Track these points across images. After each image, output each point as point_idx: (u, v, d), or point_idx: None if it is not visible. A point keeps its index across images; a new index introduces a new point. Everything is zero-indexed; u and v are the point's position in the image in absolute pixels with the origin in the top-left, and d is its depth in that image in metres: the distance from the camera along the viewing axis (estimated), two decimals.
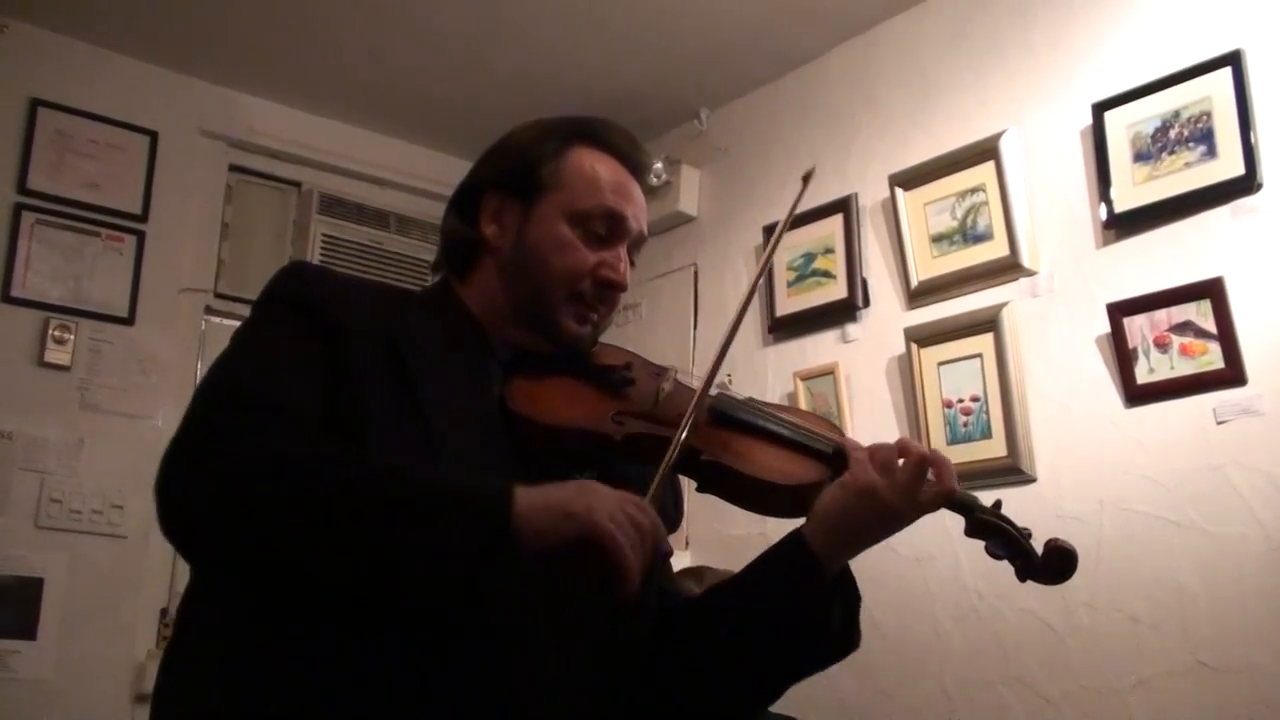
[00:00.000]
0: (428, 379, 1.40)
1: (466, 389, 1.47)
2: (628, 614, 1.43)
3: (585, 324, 1.56)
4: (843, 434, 1.58)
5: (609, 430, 1.46)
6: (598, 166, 1.58)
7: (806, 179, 1.62)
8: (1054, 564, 1.44)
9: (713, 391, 1.54)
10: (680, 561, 3.42)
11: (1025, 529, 1.46)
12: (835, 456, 1.47)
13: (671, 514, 1.63)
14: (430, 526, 1.20)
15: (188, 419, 1.33)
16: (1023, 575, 1.47)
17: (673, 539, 1.59)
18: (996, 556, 1.46)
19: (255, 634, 1.28)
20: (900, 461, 1.41)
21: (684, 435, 1.39)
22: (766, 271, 3.99)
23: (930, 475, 1.41)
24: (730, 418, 1.54)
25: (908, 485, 1.40)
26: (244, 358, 1.39)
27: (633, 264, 1.60)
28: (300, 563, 1.24)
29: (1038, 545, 1.46)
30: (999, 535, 1.45)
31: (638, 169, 1.62)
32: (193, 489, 1.26)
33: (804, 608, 1.45)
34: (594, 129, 1.61)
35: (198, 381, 1.43)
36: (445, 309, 1.57)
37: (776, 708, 3.36)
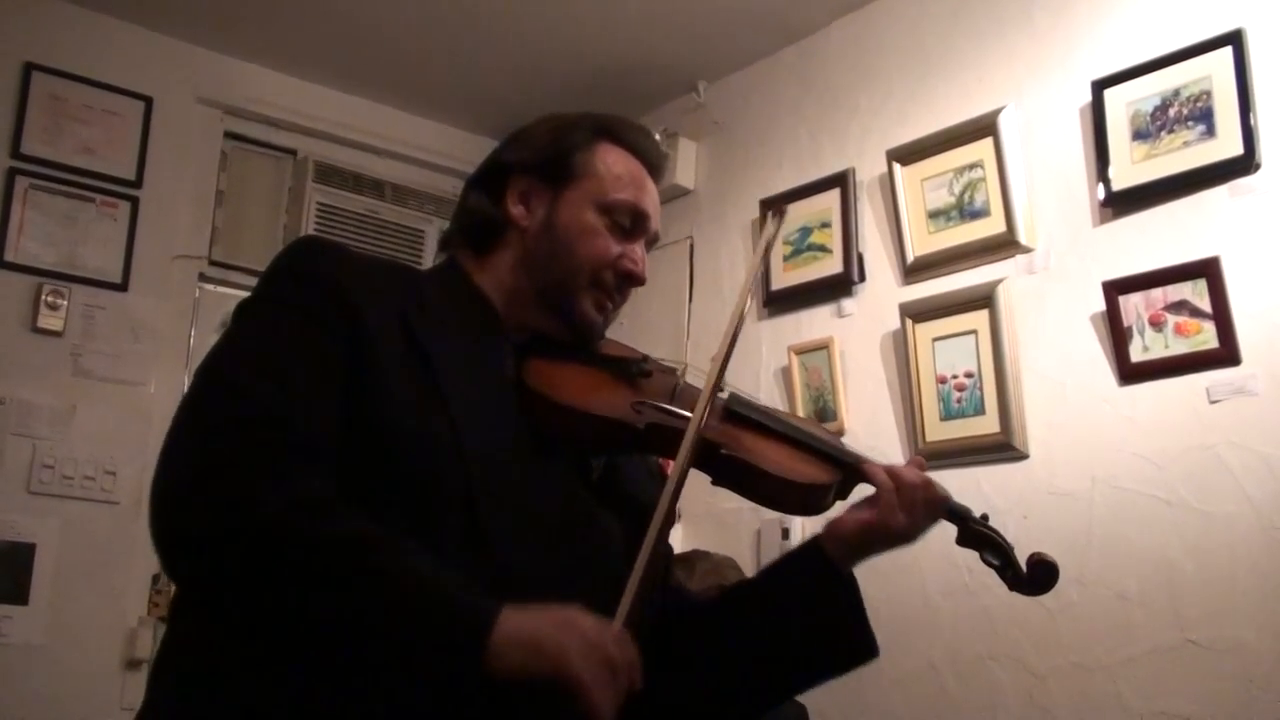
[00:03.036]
0: (443, 359, 1.40)
1: (482, 368, 1.47)
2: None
3: (602, 312, 1.59)
4: (845, 445, 1.67)
5: (631, 418, 1.48)
6: (628, 165, 1.62)
7: (779, 215, 1.70)
8: (1038, 575, 1.58)
9: (724, 393, 1.60)
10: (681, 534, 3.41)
11: (1011, 544, 1.60)
12: (848, 468, 1.56)
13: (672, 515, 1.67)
14: (405, 643, 1.21)
15: (206, 422, 1.30)
16: (1011, 584, 1.60)
17: None
18: (990, 565, 1.58)
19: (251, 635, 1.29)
20: (910, 489, 1.53)
21: (699, 428, 1.42)
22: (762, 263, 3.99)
23: (931, 496, 1.56)
24: (745, 417, 1.59)
25: (923, 510, 1.54)
26: (257, 355, 1.36)
27: None
28: (280, 629, 1.25)
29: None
30: (991, 546, 1.58)
31: (656, 172, 1.67)
32: (200, 522, 1.25)
33: (821, 611, 1.53)
34: (623, 129, 1.65)
35: (206, 354, 1.39)
36: (457, 288, 1.57)
37: None
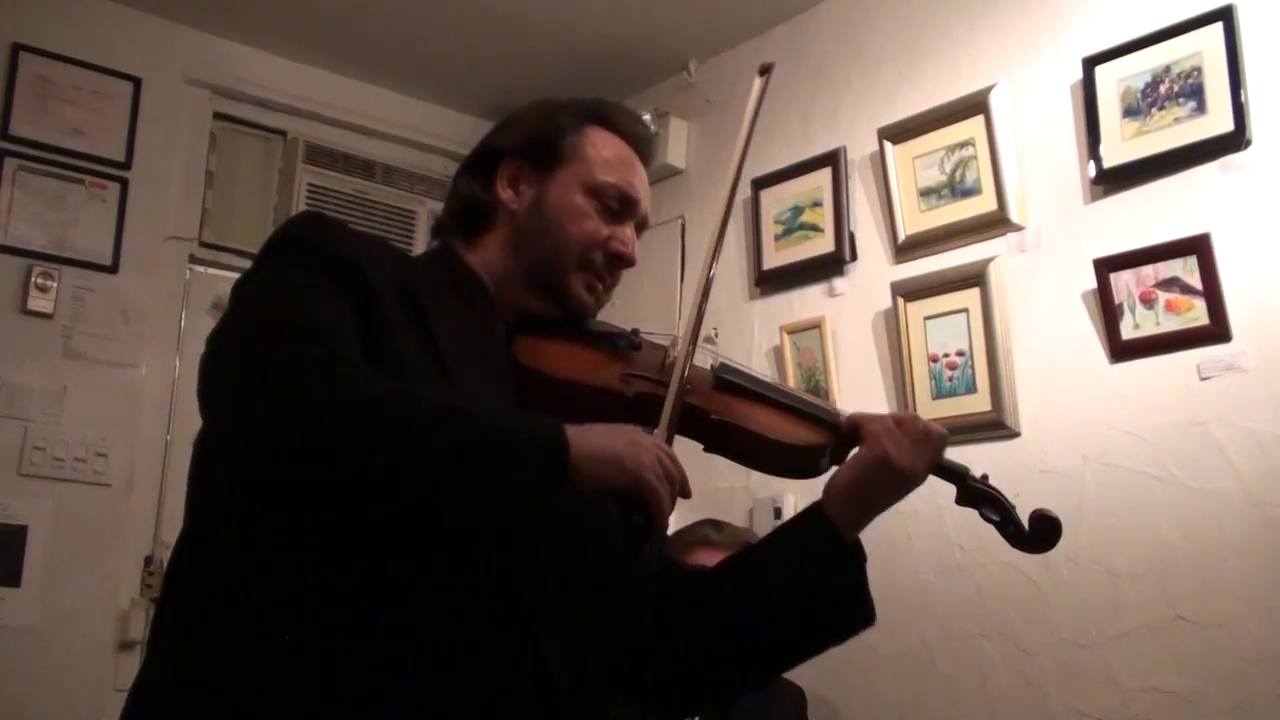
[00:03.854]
0: (443, 328, 1.42)
1: (476, 344, 1.49)
2: (638, 575, 1.51)
3: (592, 293, 1.60)
4: (837, 408, 1.67)
5: (620, 387, 1.50)
6: (617, 148, 1.64)
7: (766, 71, 1.74)
8: (1040, 532, 1.57)
9: (709, 363, 1.62)
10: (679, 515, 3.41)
11: (1012, 502, 1.59)
12: (838, 426, 1.56)
13: None
14: (495, 464, 1.24)
15: (248, 350, 1.30)
16: (1012, 541, 1.59)
17: None
18: (990, 521, 1.58)
19: (257, 601, 1.29)
20: (900, 429, 1.54)
21: (682, 384, 1.44)
22: (755, 226, 3.99)
23: (924, 427, 1.57)
24: (734, 384, 1.61)
25: (913, 448, 1.53)
26: (278, 299, 1.36)
27: None
28: (379, 494, 1.25)
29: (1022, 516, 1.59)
30: (991, 503, 1.58)
31: (646, 157, 1.69)
32: (281, 410, 1.24)
33: (824, 576, 1.54)
34: (612, 113, 1.67)
35: (217, 323, 1.39)
36: (450, 270, 1.59)
37: None
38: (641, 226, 1.66)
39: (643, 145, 1.68)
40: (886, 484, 1.55)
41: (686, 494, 1.33)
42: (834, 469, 1.60)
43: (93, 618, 3.78)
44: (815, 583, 1.54)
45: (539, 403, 1.46)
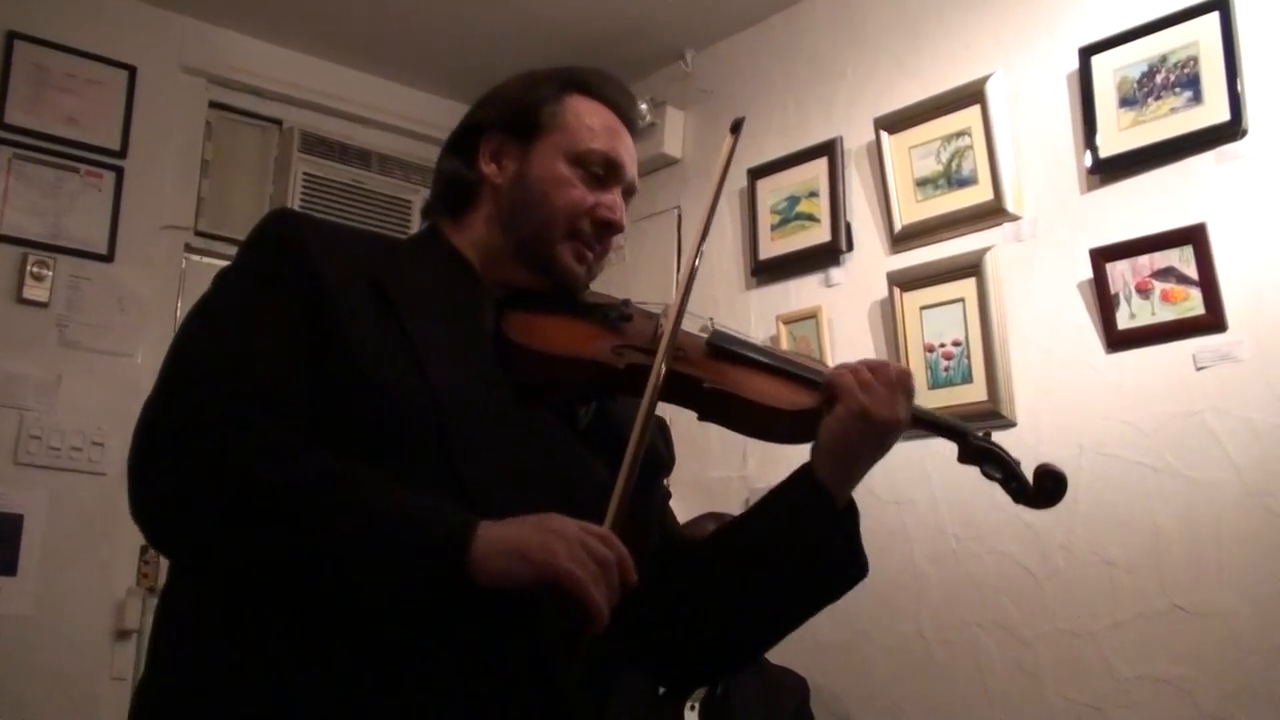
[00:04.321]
0: (415, 315, 1.41)
1: (458, 322, 1.47)
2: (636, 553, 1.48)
3: (582, 262, 1.58)
4: (821, 363, 1.65)
5: (610, 360, 1.48)
6: (598, 114, 1.61)
7: (736, 129, 1.64)
8: (1046, 488, 1.54)
9: (704, 330, 1.60)
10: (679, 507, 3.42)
11: (1017, 459, 1.56)
12: (825, 386, 1.53)
13: (664, 455, 1.67)
14: (386, 560, 1.22)
15: (167, 389, 1.33)
16: (1016, 498, 1.56)
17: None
18: (992, 478, 1.55)
19: (247, 607, 1.30)
20: (869, 373, 1.51)
21: (665, 358, 1.42)
22: (750, 221, 3.99)
23: (893, 369, 1.53)
24: (726, 350, 1.58)
25: (890, 396, 1.49)
26: (224, 322, 1.39)
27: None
28: (259, 574, 1.28)
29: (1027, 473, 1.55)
30: (994, 461, 1.55)
31: (631, 122, 1.66)
32: (166, 484, 1.27)
33: (816, 539, 1.51)
34: (592, 79, 1.64)
35: (180, 323, 1.42)
36: (435, 252, 1.58)
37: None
38: (629, 192, 1.64)
39: (625, 110, 1.65)
40: (869, 437, 1.50)
41: (628, 578, 1.26)
42: None
43: (89, 607, 3.78)
44: (809, 549, 1.51)
45: (528, 379, 1.46)
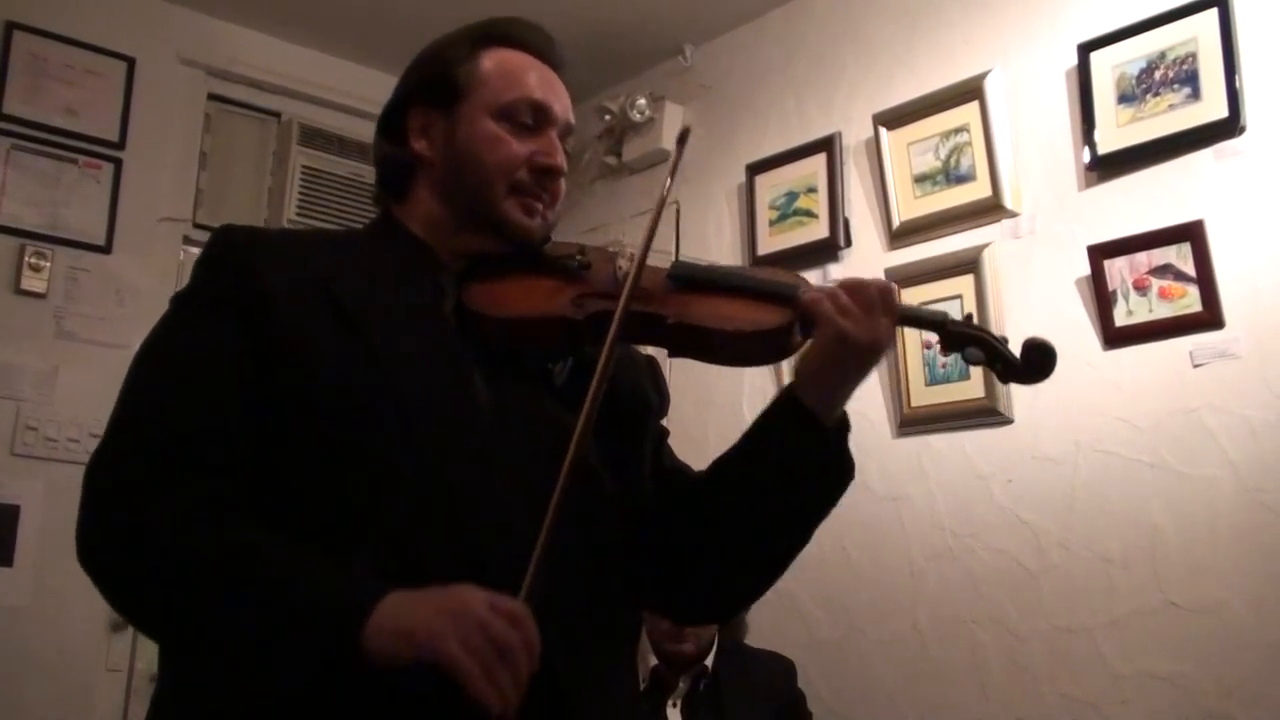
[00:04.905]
0: (370, 314, 1.40)
1: (415, 307, 1.46)
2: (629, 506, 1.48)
3: (532, 214, 1.54)
4: (796, 275, 1.58)
5: (570, 313, 1.45)
6: (514, 62, 1.57)
7: (682, 140, 1.58)
8: (1034, 361, 1.47)
9: (665, 262, 1.55)
10: None
11: (1002, 336, 1.49)
12: (802, 312, 1.46)
13: (654, 400, 1.64)
14: (278, 639, 1.22)
15: (111, 440, 1.37)
16: (1005, 377, 1.50)
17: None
18: (978, 363, 1.48)
19: None
20: (846, 295, 1.44)
21: (624, 309, 1.37)
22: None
23: (873, 288, 1.45)
24: (689, 279, 1.54)
25: (865, 309, 1.43)
26: (166, 364, 1.41)
27: (565, 153, 1.58)
28: (164, 635, 1.34)
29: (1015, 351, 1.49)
30: (975, 342, 1.48)
31: (554, 61, 1.62)
32: (94, 530, 1.34)
33: (808, 462, 1.46)
34: (504, 27, 1.61)
35: (136, 353, 1.45)
36: (388, 237, 1.56)
37: (757, 643, 3.41)
38: (565, 132, 1.58)
39: (542, 49, 1.61)
40: (852, 360, 1.44)
41: (530, 664, 1.18)
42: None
43: (85, 598, 3.68)
44: (806, 474, 1.47)
45: (495, 347, 1.45)
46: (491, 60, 1.56)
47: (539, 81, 1.57)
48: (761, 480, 1.49)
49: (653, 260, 1.46)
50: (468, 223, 1.53)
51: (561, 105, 1.58)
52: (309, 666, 1.20)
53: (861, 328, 1.42)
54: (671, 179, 1.56)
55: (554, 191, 1.56)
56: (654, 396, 1.64)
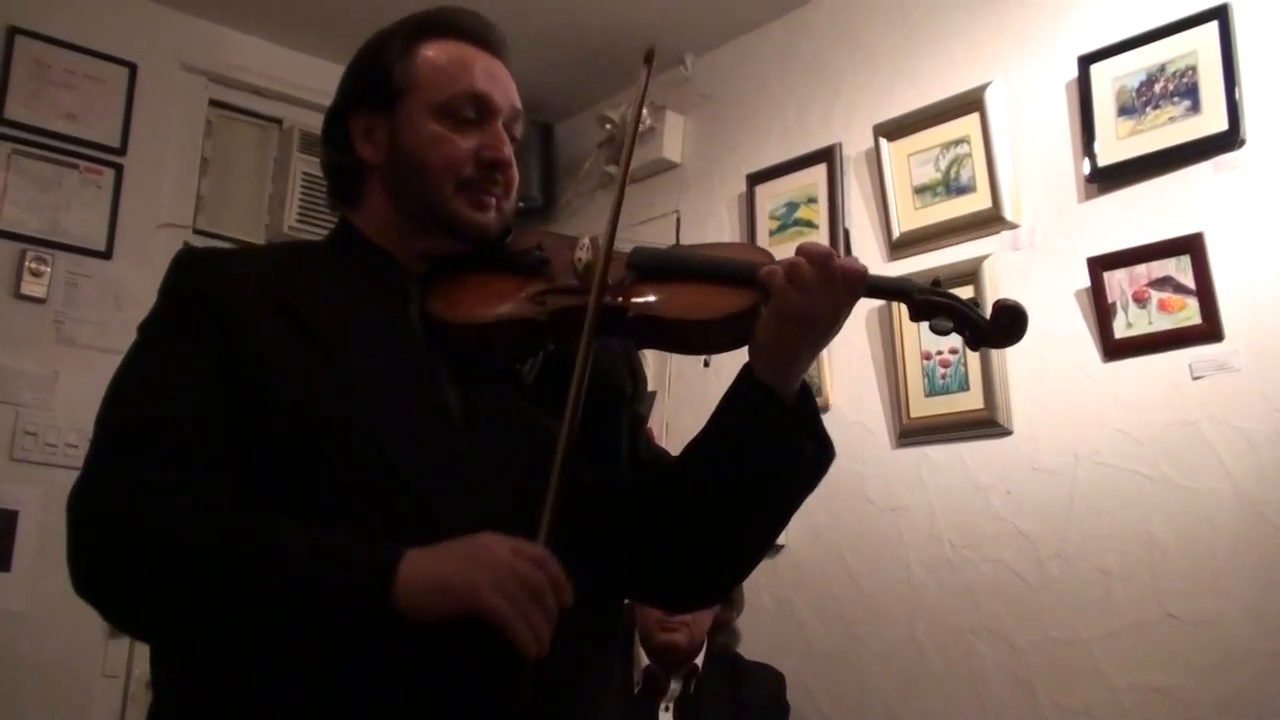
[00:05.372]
0: (331, 328, 1.39)
1: (380, 322, 1.45)
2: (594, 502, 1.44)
3: (484, 209, 1.50)
4: (763, 251, 1.53)
5: (531, 313, 1.43)
6: (450, 54, 1.53)
7: (649, 59, 1.58)
8: (1004, 325, 1.42)
9: (628, 248, 1.51)
10: None
11: (971, 299, 1.44)
12: (759, 285, 1.42)
13: (628, 386, 1.61)
14: (310, 604, 1.21)
15: (94, 463, 1.35)
16: (975, 344, 1.45)
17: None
18: (945, 332, 1.42)
19: None
20: (808, 269, 1.38)
21: (596, 309, 1.36)
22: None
23: (837, 269, 1.39)
24: (648, 267, 1.50)
25: (825, 289, 1.38)
26: (141, 389, 1.40)
27: (513, 140, 1.55)
28: (189, 637, 1.30)
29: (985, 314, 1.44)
30: (943, 310, 1.42)
31: (493, 46, 1.57)
32: (99, 562, 1.31)
33: (771, 437, 1.43)
34: (437, 18, 1.58)
35: (109, 384, 1.44)
36: (346, 245, 1.55)
37: (753, 655, 3.41)
38: (513, 119, 1.54)
39: (479, 35, 1.56)
40: (803, 334, 1.39)
41: (563, 600, 1.22)
42: None
43: (82, 604, 3.73)
44: (772, 449, 1.43)
45: (460, 353, 1.43)
46: (427, 55, 1.53)
47: (479, 72, 1.53)
48: (726, 459, 1.46)
49: (615, 245, 1.43)
50: (421, 225, 1.51)
51: (503, 92, 1.54)
52: (343, 630, 1.20)
53: (813, 302, 1.38)
54: (640, 106, 1.55)
55: (505, 182, 1.53)
56: (629, 382, 1.61)
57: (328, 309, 1.41)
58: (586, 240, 1.47)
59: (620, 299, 1.43)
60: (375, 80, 1.54)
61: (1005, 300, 1.42)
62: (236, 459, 1.32)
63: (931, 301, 1.42)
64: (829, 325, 1.40)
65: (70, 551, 1.32)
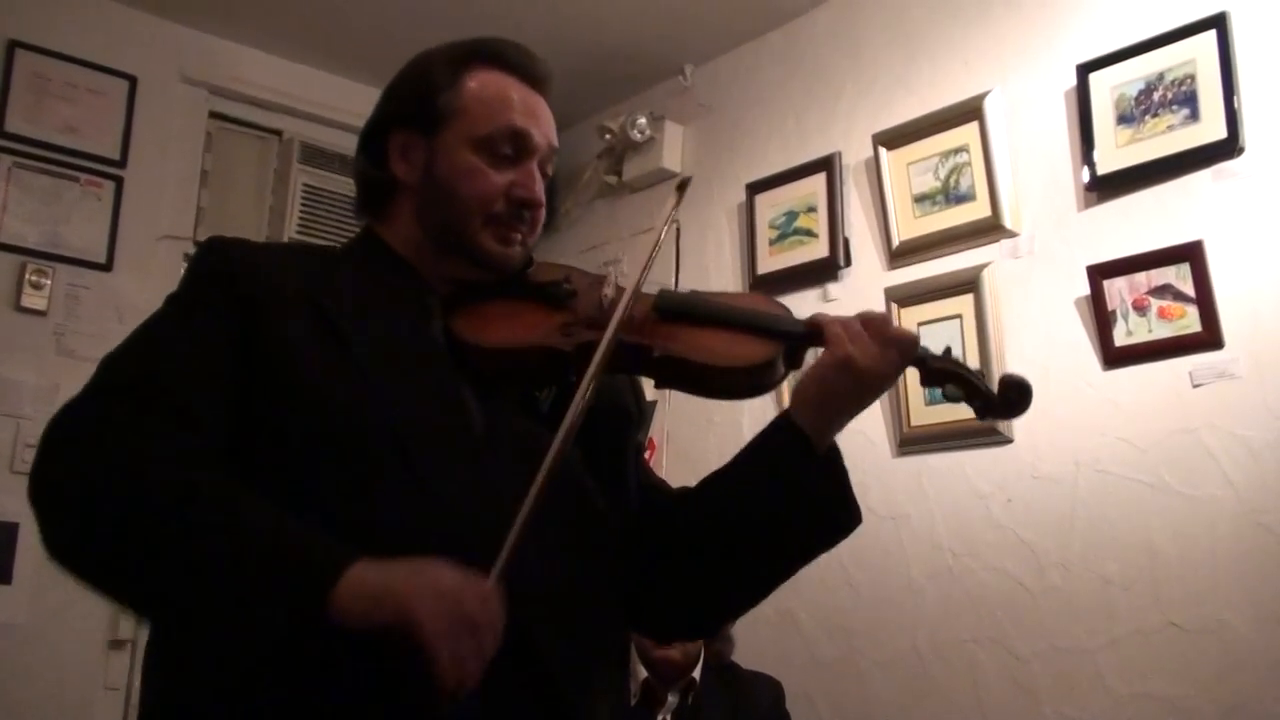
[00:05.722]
0: (359, 330, 1.39)
1: (404, 331, 1.45)
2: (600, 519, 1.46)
3: (509, 244, 1.52)
4: (779, 304, 1.60)
5: (558, 343, 1.45)
6: (495, 87, 1.55)
7: (682, 188, 1.61)
8: (1010, 399, 1.48)
9: (653, 289, 1.54)
10: None
11: (978, 370, 1.51)
12: (792, 334, 1.49)
13: (632, 410, 1.63)
14: (247, 591, 1.18)
15: (86, 394, 1.32)
16: (982, 414, 1.51)
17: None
18: (956, 400, 1.49)
19: None
20: (867, 329, 1.46)
21: (614, 334, 1.37)
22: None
23: (894, 331, 1.47)
24: (676, 311, 1.53)
25: (879, 347, 1.44)
26: (154, 345, 1.38)
27: (545, 175, 1.56)
28: (124, 591, 1.27)
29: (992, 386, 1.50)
30: (955, 380, 1.49)
31: (537, 81, 1.59)
32: (54, 471, 1.27)
33: (798, 484, 1.46)
34: (487, 49, 1.59)
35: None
36: (373, 255, 1.55)
37: (754, 664, 3.40)
38: (549, 158, 1.56)
39: (527, 71, 1.58)
40: (853, 388, 1.45)
41: (492, 646, 1.18)
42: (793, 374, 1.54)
43: (83, 616, 3.76)
44: (790, 495, 1.46)
45: (481, 374, 1.44)
46: (473, 85, 1.54)
47: (520, 108, 1.54)
48: (744, 494, 1.49)
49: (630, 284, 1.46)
50: (445, 249, 1.52)
51: (542, 131, 1.55)
52: (274, 616, 1.17)
53: (869, 357, 1.43)
54: (666, 226, 1.56)
55: (533, 220, 1.54)
56: (634, 409, 1.64)
57: (353, 310, 1.42)
58: (614, 279, 1.52)
59: (646, 339, 1.46)
60: (419, 101, 1.55)
61: (1012, 375, 1.48)
62: (229, 442, 1.31)
63: (946, 371, 1.50)
64: (877, 383, 1.46)
65: (37, 462, 1.28)
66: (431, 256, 1.53)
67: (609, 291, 1.51)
